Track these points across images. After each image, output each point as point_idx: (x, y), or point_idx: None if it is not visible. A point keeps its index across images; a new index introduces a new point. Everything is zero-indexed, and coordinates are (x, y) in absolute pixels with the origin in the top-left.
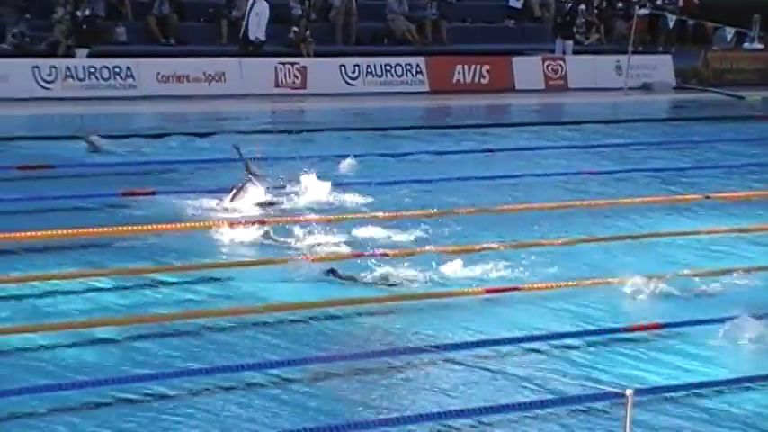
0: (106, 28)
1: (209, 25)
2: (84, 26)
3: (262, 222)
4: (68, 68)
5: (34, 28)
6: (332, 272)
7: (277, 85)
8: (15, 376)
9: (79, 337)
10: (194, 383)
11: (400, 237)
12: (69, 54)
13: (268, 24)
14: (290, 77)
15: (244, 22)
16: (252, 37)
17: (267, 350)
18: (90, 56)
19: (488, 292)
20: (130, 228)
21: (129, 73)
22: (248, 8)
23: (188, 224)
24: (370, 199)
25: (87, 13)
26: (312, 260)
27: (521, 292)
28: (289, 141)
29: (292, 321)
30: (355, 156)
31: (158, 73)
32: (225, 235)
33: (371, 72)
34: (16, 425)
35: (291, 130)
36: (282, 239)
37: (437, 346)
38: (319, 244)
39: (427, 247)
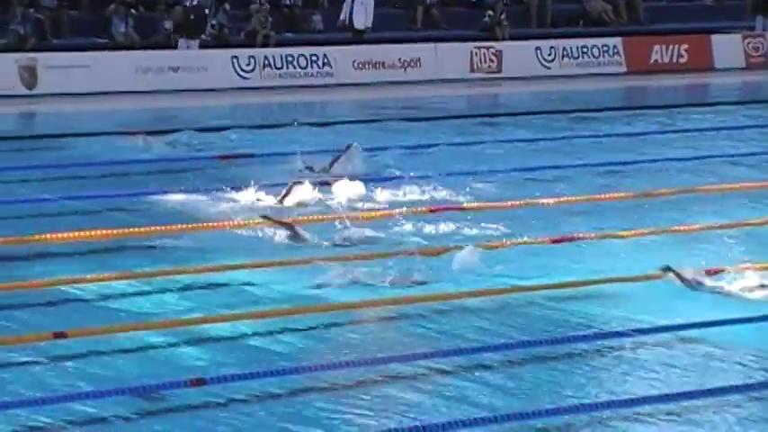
0: (303, 16)
1: (404, 11)
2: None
3: None
4: (266, 57)
5: (233, 18)
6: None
7: (472, 70)
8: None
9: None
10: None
11: (605, 221)
12: (267, 43)
13: (462, 9)
14: (485, 62)
15: (346, 10)
16: (359, 25)
17: (475, 334)
18: (287, 44)
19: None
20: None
21: (325, 60)
22: None
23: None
24: (561, 185)
25: (288, 2)
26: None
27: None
28: (482, 126)
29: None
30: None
31: (354, 60)
32: None
33: (567, 54)
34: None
35: (486, 114)
36: None
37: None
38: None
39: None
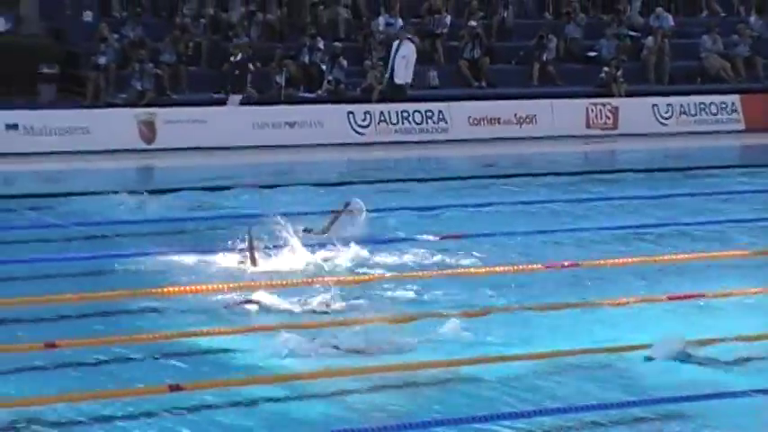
0: (419, 72)
1: (520, 68)
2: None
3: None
4: (382, 113)
5: (349, 74)
6: None
7: (588, 126)
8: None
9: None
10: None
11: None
12: (383, 99)
13: (578, 65)
14: (601, 118)
15: (389, 67)
16: (399, 81)
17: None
18: (404, 101)
19: None
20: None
21: (441, 116)
22: (393, 52)
23: None
24: (684, 239)
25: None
26: None
27: None
28: (598, 183)
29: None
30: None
31: (470, 116)
32: None
33: (685, 111)
34: None
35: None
36: None
37: None
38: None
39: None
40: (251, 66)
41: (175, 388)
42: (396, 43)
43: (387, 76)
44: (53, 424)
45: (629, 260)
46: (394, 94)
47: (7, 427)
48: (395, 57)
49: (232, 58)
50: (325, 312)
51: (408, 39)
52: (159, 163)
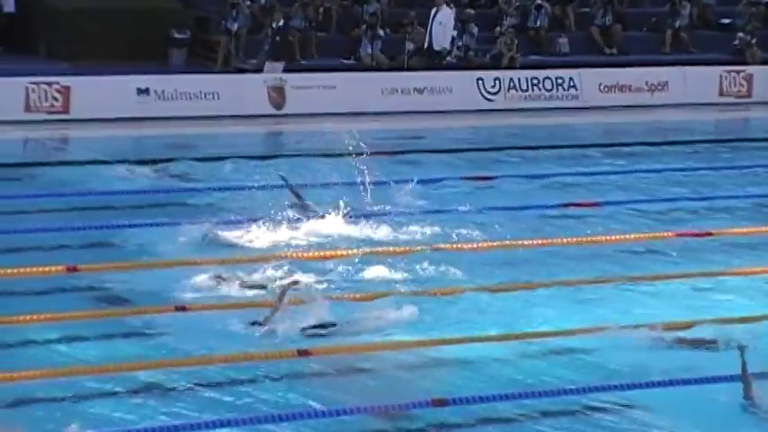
0: (549, 39)
1: (652, 35)
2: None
3: None
4: (512, 80)
5: (479, 40)
6: None
7: (721, 94)
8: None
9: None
10: None
11: None
12: (512, 66)
13: (712, 32)
14: (734, 86)
15: (427, 32)
16: (437, 47)
17: None
18: (532, 67)
19: None
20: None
21: (571, 83)
22: (431, 18)
23: None
24: None
25: (538, 24)
26: None
27: None
28: (730, 151)
29: None
30: None
31: (600, 83)
32: None
33: None
34: None
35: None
36: None
37: None
38: None
39: None
40: (381, 32)
41: None
42: (434, 10)
43: (426, 42)
44: None
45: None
46: (431, 60)
47: None
48: (432, 22)
49: (274, 25)
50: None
51: (446, 4)
52: (288, 128)
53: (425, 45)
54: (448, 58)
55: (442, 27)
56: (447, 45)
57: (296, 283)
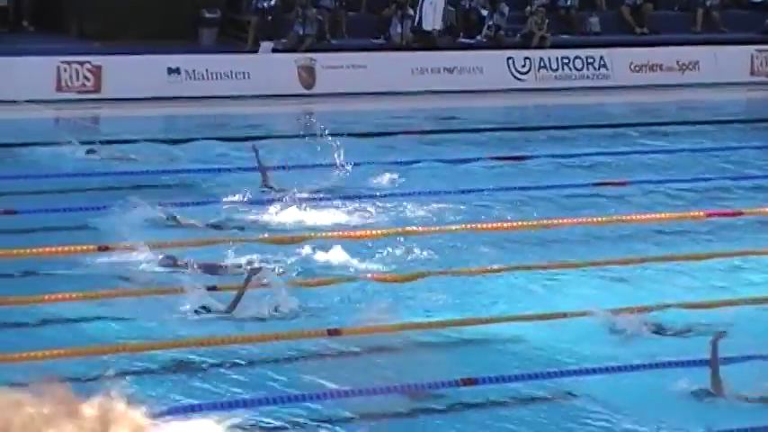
0: (580, 18)
1: (683, 14)
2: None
3: None
4: (542, 59)
5: (509, 20)
6: None
7: (752, 73)
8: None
9: None
10: None
11: None
12: (543, 45)
13: (743, 11)
14: (765, 65)
15: (417, 12)
16: (427, 27)
17: None
18: (563, 46)
19: None
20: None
21: (602, 63)
22: None
23: None
24: None
25: (568, 3)
26: None
27: None
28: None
29: None
30: None
31: (631, 62)
32: None
33: None
34: None
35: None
36: None
37: None
38: None
39: None
40: (411, 11)
41: None
42: None
43: (415, 22)
44: None
45: None
46: (421, 40)
47: None
48: (422, 3)
49: (266, 4)
50: None
51: None
52: (318, 108)
53: (414, 23)
54: (478, 38)
55: (432, 7)
56: (438, 26)
57: (259, 269)
